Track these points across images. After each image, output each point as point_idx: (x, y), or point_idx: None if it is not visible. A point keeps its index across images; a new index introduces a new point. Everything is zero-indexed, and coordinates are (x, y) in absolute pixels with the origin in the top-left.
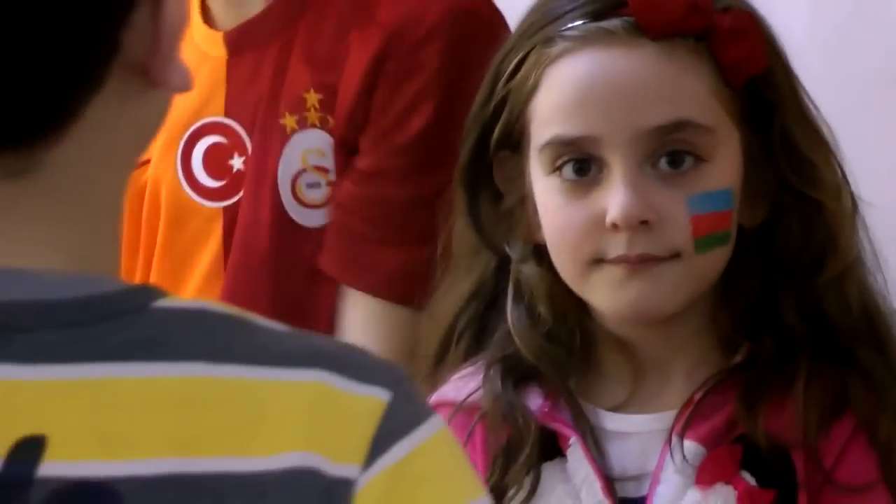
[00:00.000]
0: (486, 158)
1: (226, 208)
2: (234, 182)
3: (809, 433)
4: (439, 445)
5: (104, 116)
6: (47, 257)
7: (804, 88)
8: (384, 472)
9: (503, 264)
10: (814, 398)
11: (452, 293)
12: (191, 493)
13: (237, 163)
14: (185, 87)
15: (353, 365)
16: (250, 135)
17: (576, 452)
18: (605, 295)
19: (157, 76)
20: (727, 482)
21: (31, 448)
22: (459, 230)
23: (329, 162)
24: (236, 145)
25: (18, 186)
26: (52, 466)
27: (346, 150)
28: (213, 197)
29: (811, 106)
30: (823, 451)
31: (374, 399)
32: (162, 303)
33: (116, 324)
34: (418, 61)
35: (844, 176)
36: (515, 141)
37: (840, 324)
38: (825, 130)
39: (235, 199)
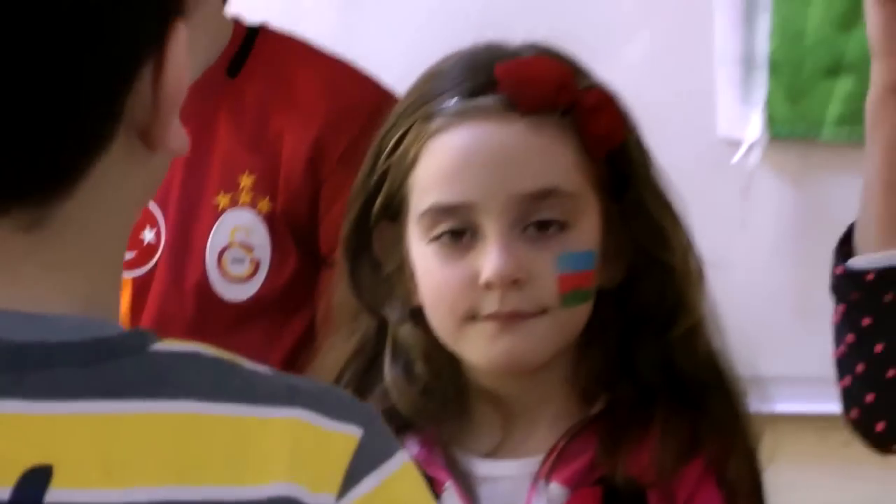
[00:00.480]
0: (368, 229)
1: (134, 278)
2: (144, 253)
3: (663, 474)
4: (405, 477)
5: (109, 175)
6: (57, 302)
7: (655, 160)
8: (358, 501)
9: (382, 326)
10: (667, 443)
11: (336, 353)
12: None
13: (148, 235)
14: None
15: (329, 403)
16: (163, 209)
17: (450, 497)
18: (478, 349)
19: (156, 139)
20: None
21: (38, 476)
22: (341, 295)
23: (256, 239)
24: (147, 218)
25: (33, 237)
26: (59, 493)
27: (288, 228)
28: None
29: (661, 176)
30: (676, 490)
31: (347, 435)
32: (159, 346)
33: (119, 364)
34: (360, 149)
35: (690, 240)
36: (395, 211)
37: (690, 374)
38: (674, 199)
39: (145, 269)
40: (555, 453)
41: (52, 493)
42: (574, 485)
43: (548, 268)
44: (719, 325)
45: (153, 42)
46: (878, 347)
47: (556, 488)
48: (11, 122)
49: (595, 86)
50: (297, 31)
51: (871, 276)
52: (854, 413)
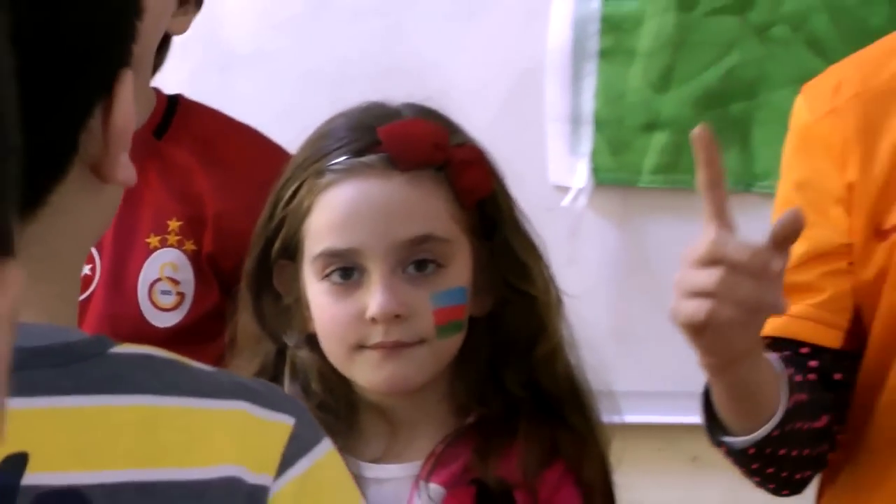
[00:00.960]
0: (268, 265)
1: None
2: (82, 283)
3: (528, 476)
4: (331, 461)
5: (67, 202)
6: (28, 312)
7: (519, 206)
8: (292, 481)
9: (281, 350)
10: (531, 449)
11: (241, 372)
12: (146, 496)
13: (84, 269)
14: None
15: (267, 396)
16: (98, 248)
17: None
18: (366, 373)
19: (107, 172)
20: None
21: (16, 462)
22: (244, 323)
23: (182, 275)
24: None
25: None
26: (35, 477)
27: (210, 269)
28: None
29: (524, 219)
30: (539, 489)
31: (283, 424)
32: (116, 349)
33: (83, 365)
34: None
35: (550, 274)
36: (292, 252)
37: (550, 390)
38: (536, 239)
39: (83, 296)
40: (433, 458)
41: (29, 477)
42: (450, 485)
43: (425, 304)
44: (576, 347)
45: (104, 87)
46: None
47: (434, 488)
48: None
49: (466, 143)
50: (181, 91)
51: (752, 451)
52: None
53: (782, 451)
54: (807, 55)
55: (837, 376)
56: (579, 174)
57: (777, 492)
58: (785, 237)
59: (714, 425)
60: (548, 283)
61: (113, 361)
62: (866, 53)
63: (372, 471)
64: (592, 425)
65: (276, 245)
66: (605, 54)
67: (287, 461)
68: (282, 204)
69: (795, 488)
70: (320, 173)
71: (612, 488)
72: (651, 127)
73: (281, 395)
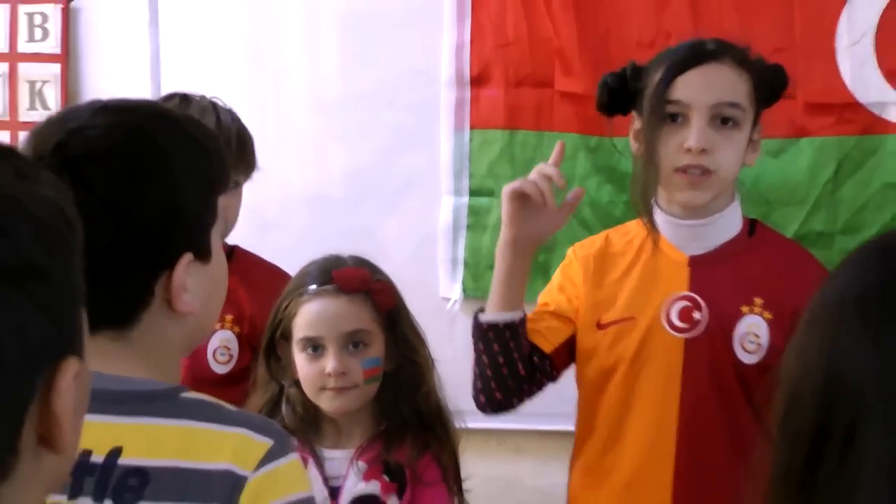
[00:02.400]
0: (274, 343)
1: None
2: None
3: (411, 460)
4: (292, 465)
5: (153, 321)
6: (137, 374)
7: (410, 312)
8: (261, 475)
9: (280, 389)
10: (414, 445)
11: (258, 400)
12: (179, 474)
13: None
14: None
15: (260, 426)
16: None
17: (311, 467)
18: (325, 404)
19: (174, 305)
20: (377, 479)
21: (115, 453)
22: (261, 374)
23: (231, 346)
24: None
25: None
26: (125, 461)
27: (248, 343)
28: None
29: (412, 318)
30: (418, 469)
31: (265, 443)
32: (185, 395)
33: (161, 401)
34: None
35: (427, 349)
36: (287, 336)
37: (425, 413)
38: (420, 330)
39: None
40: (361, 448)
41: (122, 461)
42: (370, 463)
43: (358, 366)
44: (442, 388)
45: (169, 264)
46: (488, 371)
47: (361, 464)
48: None
49: (381, 280)
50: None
51: (491, 334)
52: (479, 400)
53: (512, 344)
54: (578, 229)
55: (537, 359)
56: (456, 291)
57: (489, 399)
58: (554, 162)
59: (478, 322)
60: (427, 354)
61: (179, 401)
62: (602, 234)
63: (328, 453)
64: (448, 431)
65: (278, 332)
66: (470, 227)
67: (261, 464)
68: (281, 310)
69: (503, 402)
70: (301, 294)
71: (459, 468)
72: (492, 267)
73: (270, 425)
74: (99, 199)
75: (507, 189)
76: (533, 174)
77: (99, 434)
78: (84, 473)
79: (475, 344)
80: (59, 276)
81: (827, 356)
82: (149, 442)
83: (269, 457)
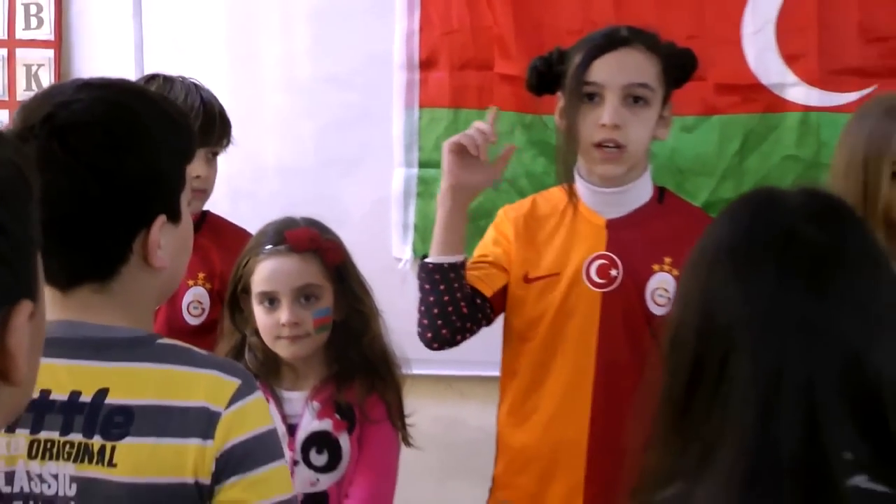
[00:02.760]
0: (237, 297)
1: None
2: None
3: (359, 399)
4: (258, 404)
5: (131, 275)
6: (117, 323)
7: (355, 265)
8: (232, 411)
9: (243, 337)
10: (361, 386)
11: (224, 347)
12: (161, 410)
13: None
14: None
15: (228, 368)
16: None
17: (271, 407)
18: (282, 350)
19: (149, 261)
20: (329, 418)
21: (102, 393)
22: (226, 325)
23: (203, 300)
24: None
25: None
26: (111, 401)
27: (217, 297)
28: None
29: (358, 273)
30: (364, 405)
31: (233, 382)
32: (161, 341)
33: (141, 347)
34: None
35: (373, 299)
36: (247, 290)
37: (373, 357)
38: (366, 283)
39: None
40: (314, 389)
41: (109, 401)
42: (323, 403)
43: (309, 317)
44: (388, 336)
45: (147, 222)
46: (434, 309)
47: (315, 404)
48: None
49: (330, 238)
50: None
51: (437, 276)
52: (426, 336)
53: (456, 285)
54: (516, 197)
55: (478, 301)
56: (406, 252)
57: (436, 335)
58: (487, 124)
59: (425, 264)
60: (372, 304)
61: (157, 347)
62: (529, 198)
63: (286, 394)
64: (393, 374)
65: (239, 287)
66: (420, 195)
67: (232, 401)
68: (241, 267)
69: (448, 337)
70: (258, 252)
71: (403, 407)
72: None
73: (236, 367)
74: (85, 165)
75: (447, 143)
76: (469, 129)
77: (87, 377)
78: (74, 412)
79: (421, 286)
80: (16, 228)
81: (703, 298)
82: (132, 383)
83: (238, 395)
